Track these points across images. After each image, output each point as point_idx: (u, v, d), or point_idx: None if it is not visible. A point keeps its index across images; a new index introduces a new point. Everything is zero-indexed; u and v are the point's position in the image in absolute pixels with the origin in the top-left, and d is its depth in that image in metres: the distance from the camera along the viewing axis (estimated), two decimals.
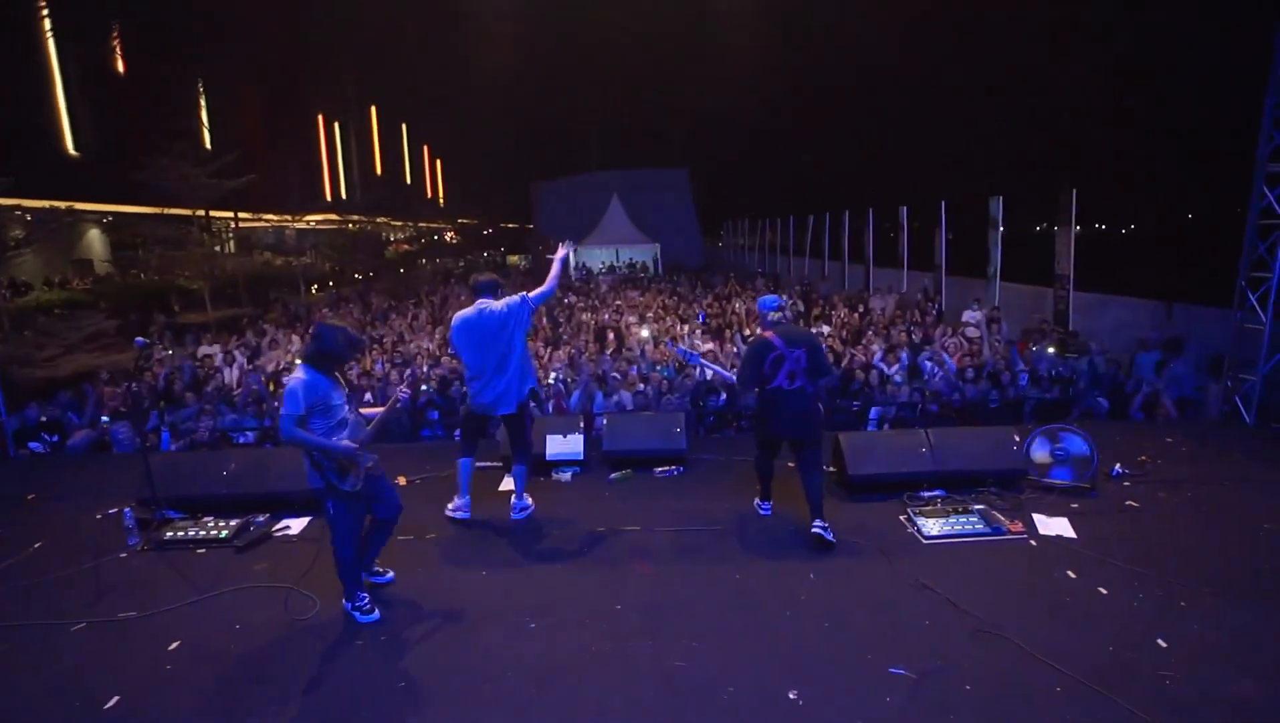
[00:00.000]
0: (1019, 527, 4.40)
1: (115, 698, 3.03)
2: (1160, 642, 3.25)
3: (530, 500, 4.91)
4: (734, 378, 4.54)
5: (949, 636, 3.34)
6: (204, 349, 11.03)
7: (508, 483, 5.44)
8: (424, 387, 7.62)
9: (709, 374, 6.43)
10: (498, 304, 4.49)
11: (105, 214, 24.13)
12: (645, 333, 10.95)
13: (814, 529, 4.22)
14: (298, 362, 3.33)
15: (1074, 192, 10.07)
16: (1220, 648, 3.20)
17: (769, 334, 4.25)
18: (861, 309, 13.30)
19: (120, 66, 24.61)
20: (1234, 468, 5.43)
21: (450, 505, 4.84)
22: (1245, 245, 6.50)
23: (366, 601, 3.60)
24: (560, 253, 4.84)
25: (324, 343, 3.42)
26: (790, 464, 5.01)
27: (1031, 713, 2.82)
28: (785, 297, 3.85)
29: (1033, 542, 4.27)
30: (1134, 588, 3.73)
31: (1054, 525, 4.46)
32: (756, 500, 4.86)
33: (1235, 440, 6.10)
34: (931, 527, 4.39)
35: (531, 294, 4.58)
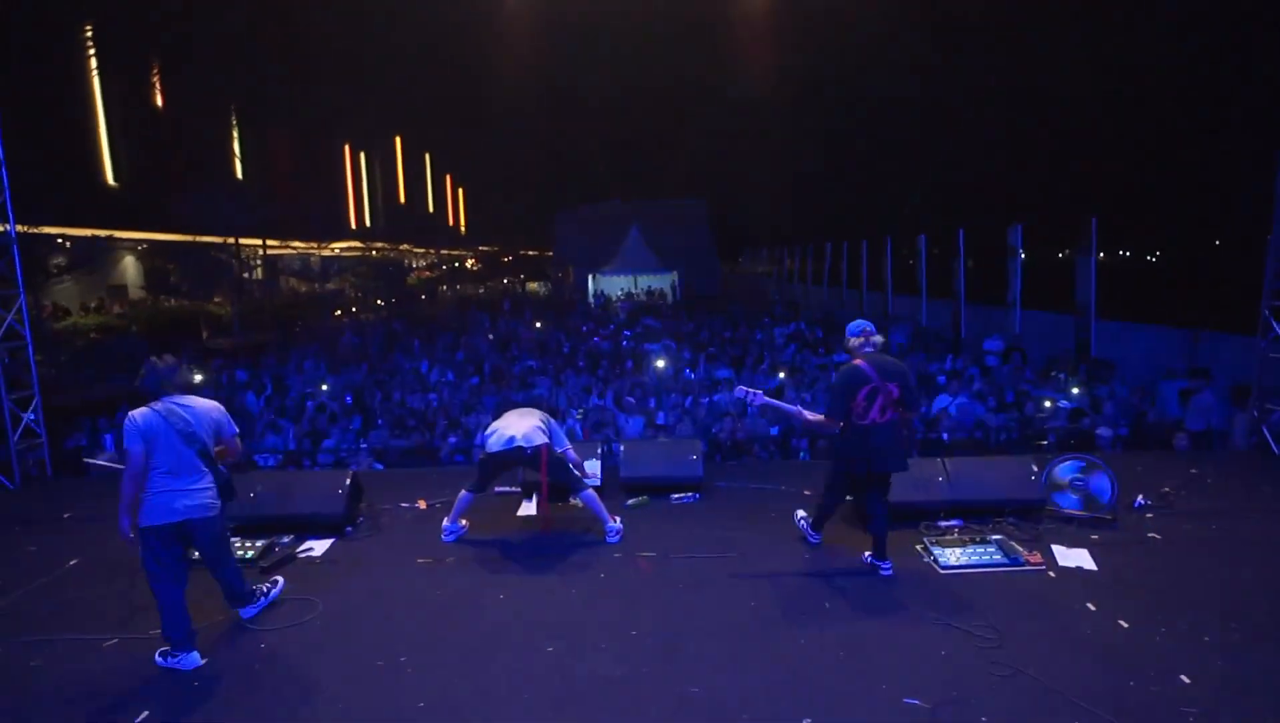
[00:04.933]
0: (1038, 558, 4.36)
1: (144, 713, 3.11)
2: (1184, 678, 3.20)
3: (619, 522, 4.97)
4: (803, 413, 4.34)
5: (964, 667, 3.33)
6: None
7: (526, 508, 5.51)
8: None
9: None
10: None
11: (140, 242, 24.94)
12: (660, 362, 11.04)
13: (878, 566, 4.29)
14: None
15: (1094, 219, 10.07)
16: (1245, 686, 3.14)
17: (860, 362, 4.10)
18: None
19: (159, 101, 25.63)
20: (1261, 500, 5.33)
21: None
22: (1267, 272, 6.45)
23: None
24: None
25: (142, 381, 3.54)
26: (848, 497, 4.86)
27: None
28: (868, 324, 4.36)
29: (1051, 573, 4.23)
30: (1156, 622, 3.68)
31: (1074, 557, 4.41)
32: (805, 524, 4.73)
33: (1262, 472, 5.99)
34: (949, 557, 4.37)
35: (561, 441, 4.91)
